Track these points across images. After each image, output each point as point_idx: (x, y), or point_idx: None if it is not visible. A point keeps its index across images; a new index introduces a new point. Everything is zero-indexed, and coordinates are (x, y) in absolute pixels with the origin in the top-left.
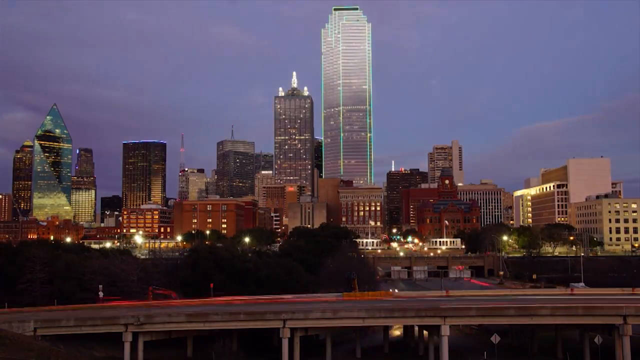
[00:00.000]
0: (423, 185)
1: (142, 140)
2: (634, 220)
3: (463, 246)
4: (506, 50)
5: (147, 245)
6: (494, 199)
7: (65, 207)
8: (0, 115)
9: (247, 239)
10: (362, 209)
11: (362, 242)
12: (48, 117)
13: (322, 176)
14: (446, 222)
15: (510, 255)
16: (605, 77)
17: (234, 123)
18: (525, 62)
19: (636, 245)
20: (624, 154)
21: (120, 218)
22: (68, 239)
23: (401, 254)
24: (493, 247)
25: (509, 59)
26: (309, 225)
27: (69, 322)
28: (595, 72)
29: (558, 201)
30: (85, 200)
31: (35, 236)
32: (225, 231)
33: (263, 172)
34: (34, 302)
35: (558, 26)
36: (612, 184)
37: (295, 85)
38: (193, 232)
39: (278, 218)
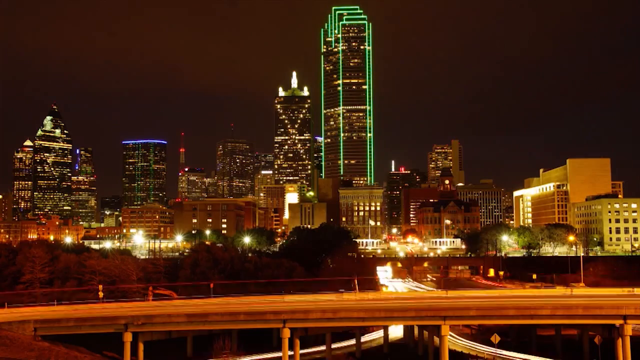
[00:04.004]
0: (423, 185)
1: (142, 140)
2: (634, 220)
3: (463, 246)
4: (506, 48)
5: (147, 245)
6: (494, 199)
7: (65, 207)
8: (0, 114)
9: (247, 239)
10: (362, 209)
11: (362, 242)
12: (48, 117)
13: (322, 176)
14: (446, 222)
15: (510, 256)
16: (606, 75)
17: (234, 123)
18: (526, 60)
19: (636, 245)
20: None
21: (120, 218)
22: (68, 239)
23: (401, 254)
24: (493, 247)
25: (509, 57)
26: (309, 225)
27: (69, 322)
28: (595, 71)
29: (558, 201)
30: (85, 200)
31: (35, 236)
32: (225, 231)
33: (263, 172)
34: (34, 302)
35: (562, 27)
36: (612, 184)
37: (295, 85)
38: (193, 232)
39: (278, 218)
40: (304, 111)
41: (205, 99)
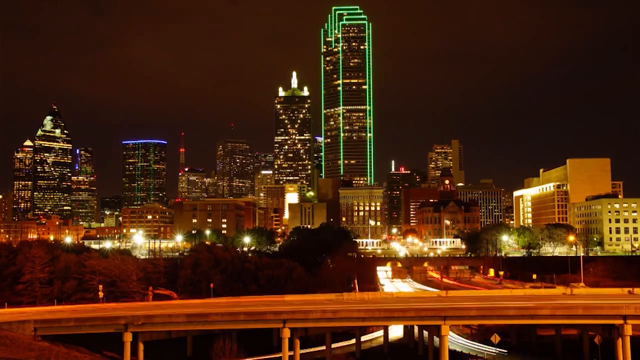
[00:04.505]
0: (423, 185)
1: (142, 140)
2: (634, 220)
3: (463, 246)
4: (506, 48)
5: (147, 245)
6: (494, 199)
7: (65, 207)
8: (0, 114)
9: (247, 239)
10: (362, 209)
11: (362, 242)
12: (48, 117)
13: (322, 176)
14: (446, 222)
15: (510, 256)
16: (603, 73)
17: (234, 123)
18: (527, 59)
19: (636, 245)
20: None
21: (120, 218)
22: (68, 239)
23: (401, 254)
24: (493, 247)
25: (509, 56)
26: (309, 225)
27: (69, 322)
28: (595, 70)
29: (558, 201)
30: (85, 200)
31: (35, 236)
32: (225, 231)
33: (263, 172)
34: (34, 302)
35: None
36: (612, 184)
37: (295, 85)
38: (193, 232)
39: (278, 218)
40: (304, 111)
41: (205, 98)
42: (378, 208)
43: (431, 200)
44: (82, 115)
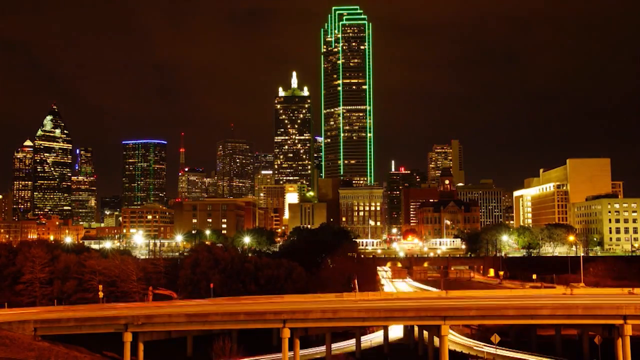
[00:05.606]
0: (423, 185)
1: (142, 140)
2: (634, 220)
3: (463, 246)
4: (506, 47)
5: (147, 245)
6: (494, 199)
7: (65, 207)
8: (0, 114)
9: (247, 239)
10: (362, 209)
11: (362, 242)
12: (48, 117)
13: (322, 176)
14: (446, 222)
15: (510, 256)
16: (604, 74)
17: (234, 123)
18: (526, 59)
19: (636, 245)
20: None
21: (120, 218)
22: (68, 239)
23: (401, 254)
24: (493, 247)
25: (508, 57)
26: (309, 225)
27: (69, 322)
28: (595, 70)
29: (558, 201)
30: (85, 200)
31: (35, 236)
32: (225, 231)
33: (263, 172)
34: (34, 302)
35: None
36: (612, 184)
37: (295, 85)
38: (193, 232)
39: (278, 218)
40: (304, 111)
41: (205, 98)
42: (378, 208)
43: (431, 200)
44: (82, 115)
